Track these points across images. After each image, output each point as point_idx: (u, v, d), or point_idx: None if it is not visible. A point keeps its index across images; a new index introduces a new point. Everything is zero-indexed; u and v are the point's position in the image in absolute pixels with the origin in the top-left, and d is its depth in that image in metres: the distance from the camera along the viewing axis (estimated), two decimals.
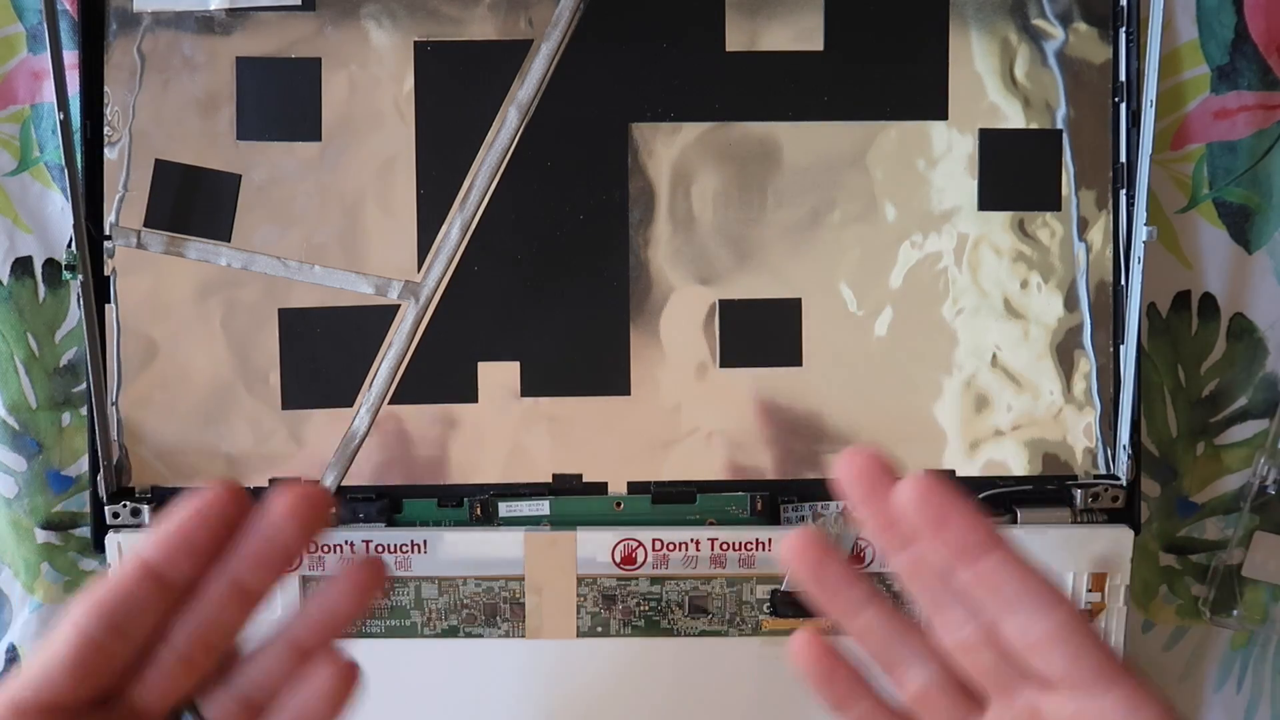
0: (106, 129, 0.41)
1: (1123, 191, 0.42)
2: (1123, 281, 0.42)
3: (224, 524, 0.25)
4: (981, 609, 0.26)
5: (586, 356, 0.42)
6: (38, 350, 0.43)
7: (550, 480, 0.42)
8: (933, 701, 0.28)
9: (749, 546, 0.41)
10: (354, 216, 0.42)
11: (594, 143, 0.42)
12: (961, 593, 0.27)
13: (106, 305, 0.42)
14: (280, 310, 0.42)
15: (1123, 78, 0.42)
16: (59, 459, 0.44)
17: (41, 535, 0.44)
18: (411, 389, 0.42)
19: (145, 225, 0.42)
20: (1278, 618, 0.45)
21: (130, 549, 0.24)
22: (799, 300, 0.42)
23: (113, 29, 0.41)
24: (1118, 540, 0.41)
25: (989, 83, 0.42)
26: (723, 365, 0.42)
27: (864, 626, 0.29)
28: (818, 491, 0.43)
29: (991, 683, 0.27)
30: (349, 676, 0.27)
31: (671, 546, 0.41)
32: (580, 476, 0.43)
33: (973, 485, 0.43)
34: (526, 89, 0.41)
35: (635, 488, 0.43)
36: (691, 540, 0.41)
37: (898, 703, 0.29)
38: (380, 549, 0.41)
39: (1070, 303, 0.42)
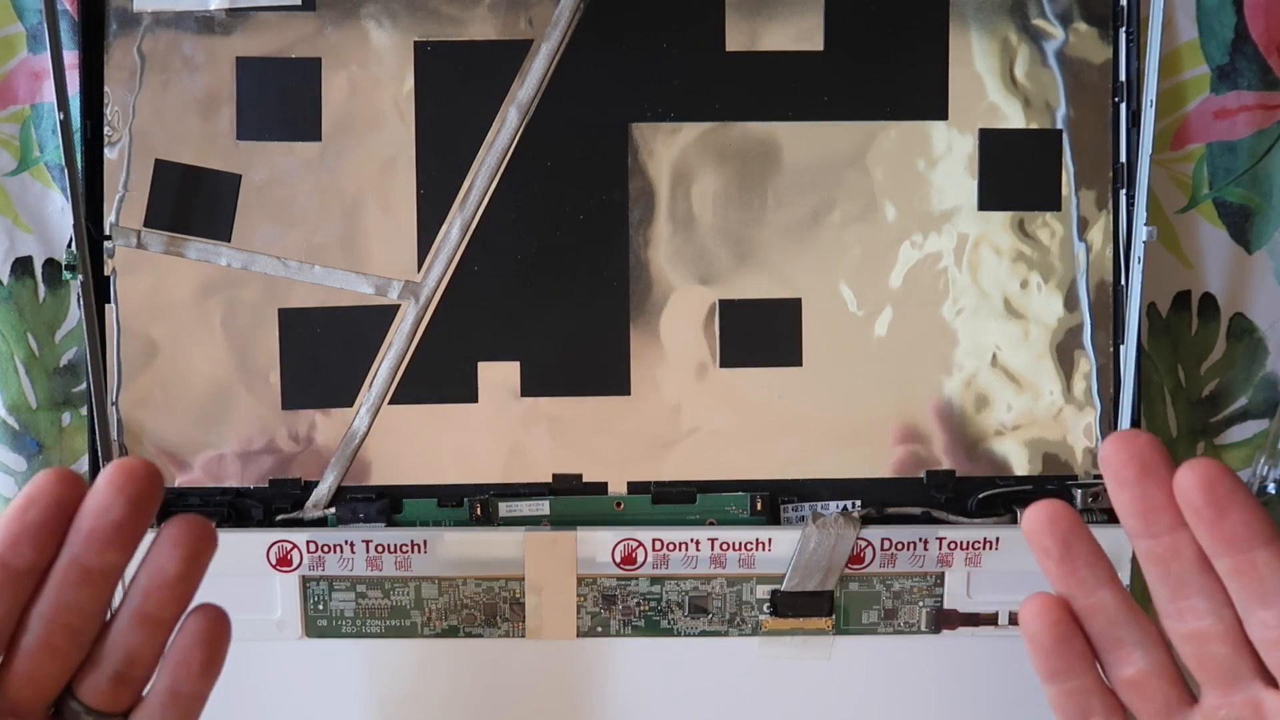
0: (106, 129, 0.41)
1: (1123, 191, 0.42)
2: (1123, 281, 0.42)
3: (57, 507, 0.26)
4: (1232, 600, 0.27)
5: (586, 356, 0.42)
6: (38, 350, 0.43)
7: (550, 480, 0.42)
8: (1149, 688, 0.28)
9: (749, 546, 0.41)
10: (354, 216, 0.42)
11: (594, 143, 0.42)
12: (1207, 585, 0.27)
13: (106, 305, 0.42)
14: (280, 310, 0.42)
15: (1123, 78, 0.42)
16: (59, 459, 0.44)
17: None
18: (411, 389, 0.42)
19: (145, 225, 0.42)
20: None
21: None
22: (799, 300, 0.42)
23: (113, 29, 0.41)
24: (1118, 540, 0.41)
25: (989, 83, 0.42)
26: (723, 365, 0.42)
27: (1096, 604, 0.29)
28: (818, 491, 0.43)
29: (1215, 676, 0.27)
30: (217, 622, 0.28)
31: (671, 546, 0.41)
32: (580, 476, 0.43)
33: (973, 485, 0.43)
34: (526, 89, 0.41)
35: (635, 488, 0.43)
36: (691, 540, 0.41)
37: (1109, 684, 0.29)
38: (380, 549, 0.41)
39: (1070, 303, 0.42)
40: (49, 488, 0.26)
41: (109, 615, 0.28)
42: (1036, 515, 0.28)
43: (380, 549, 0.41)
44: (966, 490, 0.43)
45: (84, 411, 0.43)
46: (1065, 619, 0.29)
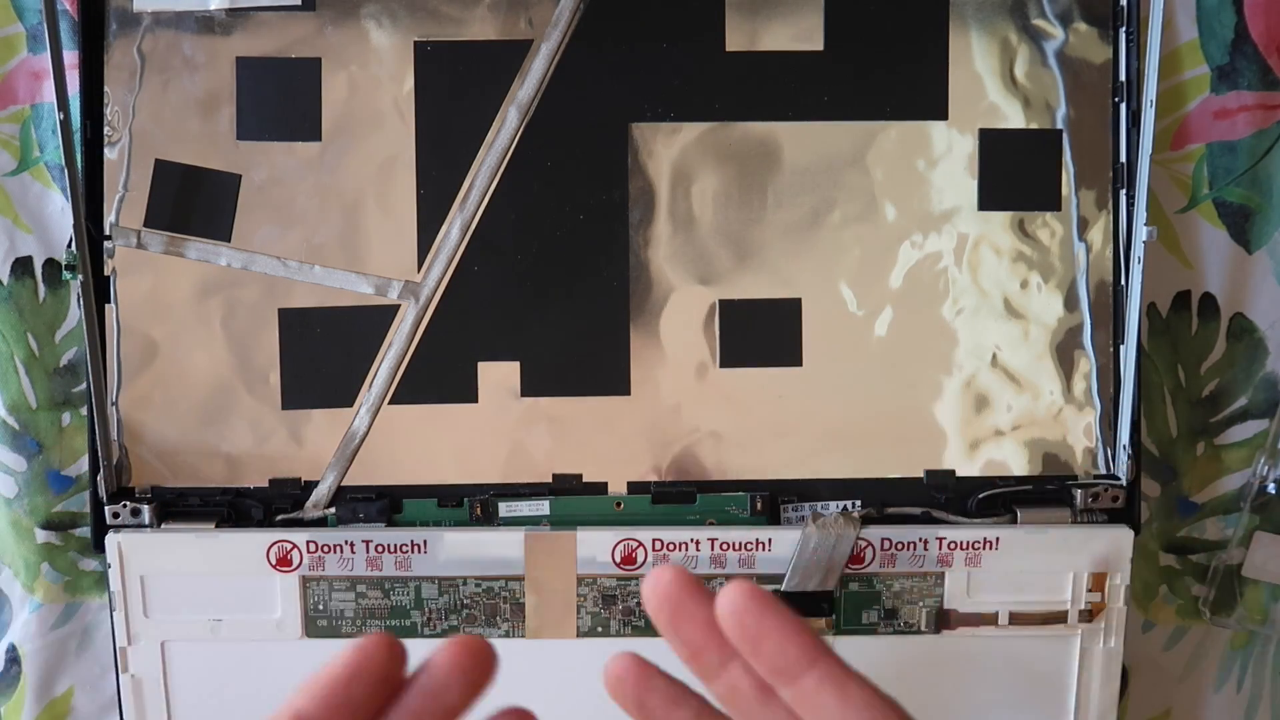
0: (106, 129, 0.41)
1: (1123, 191, 0.42)
2: (1123, 281, 0.42)
3: (385, 683, 0.24)
4: None
5: (586, 356, 0.42)
6: (38, 350, 0.43)
7: (550, 480, 0.42)
8: None
9: (749, 546, 0.41)
10: (354, 216, 0.42)
11: (594, 143, 0.42)
12: (778, 716, 0.25)
13: (106, 305, 0.42)
14: (280, 310, 0.42)
15: (1123, 78, 0.42)
16: (59, 459, 0.44)
17: (41, 535, 0.44)
18: (411, 389, 0.42)
19: (145, 225, 0.42)
20: (1278, 618, 0.45)
21: (286, 703, 0.23)
22: (799, 300, 0.42)
23: (113, 29, 0.41)
24: (1118, 540, 0.41)
25: (989, 83, 0.42)
26: (723, 365, 0.42)
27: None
28: (818, 491, 0.43)
29: None
30: None
31: (671, 546, 0.41)
32: (580, 476, 0.43)
33: (973, 485, 0.43)
34: (526, 89, 0.41)
35: (635, 488, 0.43)
36: (691, 540, 0.41)
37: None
38: (380, 549, 0.41)
39: (1070, 303, 0.42)
40: (378, 661, 0.23)
41: None
42: (610, 671, 0.27)
43: (380, 549, 0.41)
44: (966, 490, 0.43)
45: (84, 411, 0.43)
46: (643, 670, 0.28)
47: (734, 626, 0.25)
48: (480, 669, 0.24)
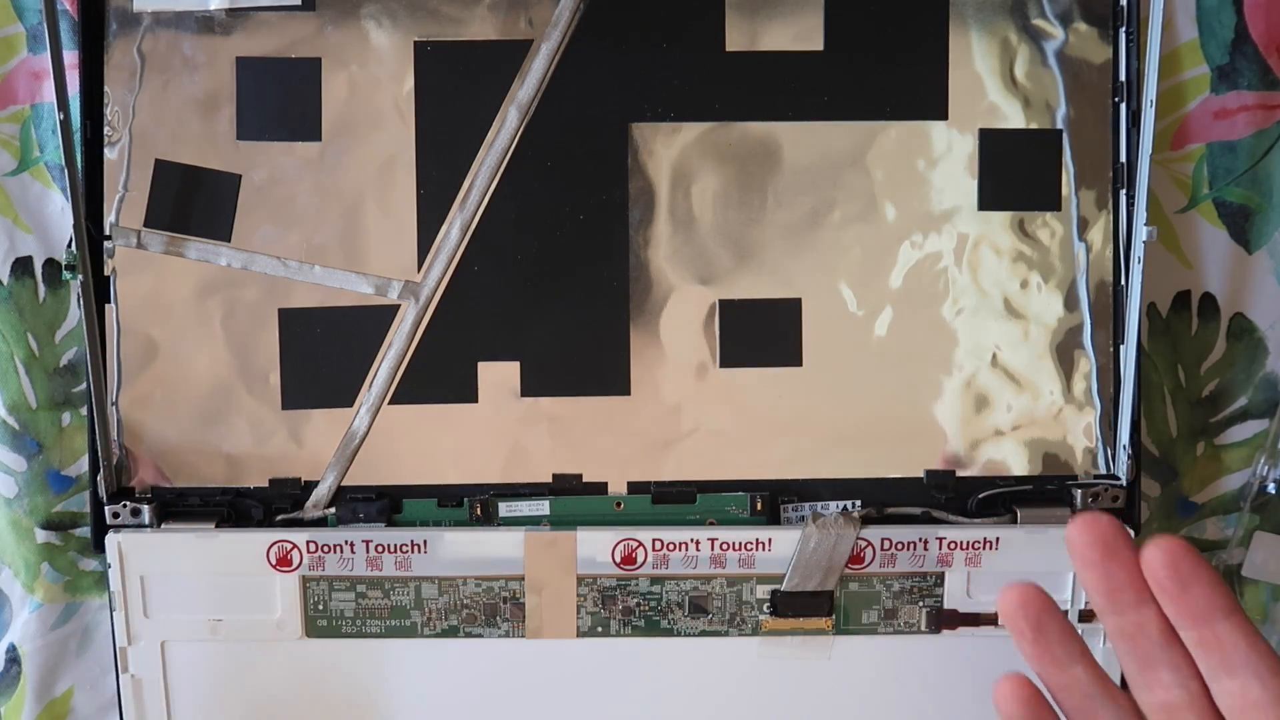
0: (106, 129, 0.41)
1: (1123, 191, 0.42)
2: (1123, 281, 0.42)
3: None
4: (1198, 671, 0.29)
5: (586, 356, 0.42)
6: (38, 350, 0.43)
7: (550, 480, 0.42)
8: None
9: (749, 546, 0.41)
10: (354, 216, 0.42)
11: (594, 143, 0.42)
12: (1174, 658, 0.29)
13: (106, 305, 0.42)
14: (280, 310, 0.42)
15: (1123, 78, 0.42)
16: (59, 459, 0.44)
17: (41, 535, 0.44)
18: (411, 389, 0.42)
19: (145, 225, 0.42)
20: (1278, 618, 0.45)
21: None
22: (799, 300, 0.42)
23: (113, 29, 0.41)
24: None
25: (989, 83, 0.42)
26: (723, 365, 0.42)
27: (1070, 680, 0.30)
28: (818, 491, 0.43)
29: None
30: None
31: (671, 546, 0.41)
32: (580, 476, 0.43)
33: (973, 485, 0.43)
34: (526, 89, 0.41)
35: (635, 488, 0.43)
36: (691, 540, 0.41)
37: None
38: (380, 549, 0.41)
39: (1070, 303, 0.42)
40: None
41: None
42: (1009, 598, 0.30)
43: (380, 549, 0.41)
44: (966, 490, 0.43)
45: (84, 411, 0.43)
46: (1035, 697, 0.31)
47: (1167, 571, 0.28)
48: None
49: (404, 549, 0.41)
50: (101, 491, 0.41)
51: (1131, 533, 0.29)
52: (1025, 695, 0.31)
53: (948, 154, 0.42)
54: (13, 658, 0.45)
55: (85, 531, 0.44)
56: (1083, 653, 0.30)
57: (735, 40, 0.42)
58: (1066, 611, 0.41)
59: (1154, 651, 0.29)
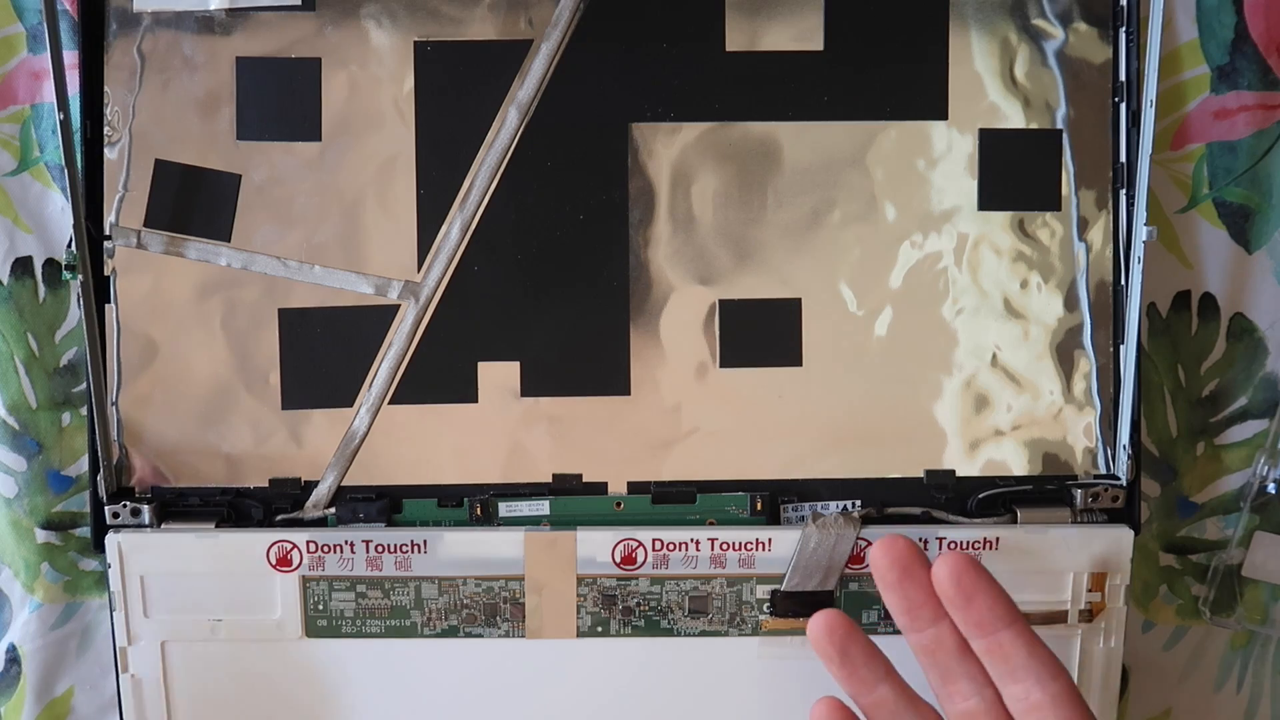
0: (106, 129, 0.41)
1: (1123, 191, 0.42)
2: (1123, 281, 0.42)
3: None
4: (990, 680, 0.31)
5: (586, 356, 0.42)
6: (38, 350, 0.43)
7: (550, 480, 0.42)
8: None
9: (749, 546, 0.41)
10: (354, 216, 0.42)
11: (594, 143, 0.42)
12: (970, 669, 0.31)
13: (106, 305, 0.42)
14: (280, 310, 0.42)
15: (1123, 78, 0.42)
16: (59, 459, 0.44)
17: (41, 535, 0.44)
18: (411, 389, 0.42)
19: (145, 225, 0.42)
20: (1278, 618, 0.45)
21: None
22: (799, 300, 0.42)
23: (113, 29, 0.41)
24: (1118, 540, 0.41)
25: (989, 83, 0.42)
26: (723, 365, 0.42)
27: (878, 700, 0.33)
28: (818, 491, 0.43)
29: None
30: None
31: (671, 546, 0.41)
32: (580, 476, 0.43)
33: (973, 485, 0.43)
34: (526, 89, 0.41)
35: (635, 488, 0.43)
36: (691, 540, 0.41)
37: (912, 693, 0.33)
38: (380, 549, 0.41)
39: (1070, 303, 0.42)
40: None
41: None
42: (816, 625, 0.33)
43: (380, 549, 0.41)
44: (966, 490, 0.43)
45: (84, 411, 0.43)
46: (847, 717, 0.34)
47: (952, 585, 0.30)
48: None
49: (404, 549, 0.41)
50: (101, 491, 0.41)
51: (926, 554, 0.31)
52: (838, 716, 0.34)
53: (948, 154, 0.42)
54: (13, 658, 0.45)
55: (85, 531, 0.44)
56: (887, 672, 0.33)
57: (735, 40, 0.42)
58: (1067, 614, 0.41)
59: (952, 663, 0.31)
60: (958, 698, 0.32)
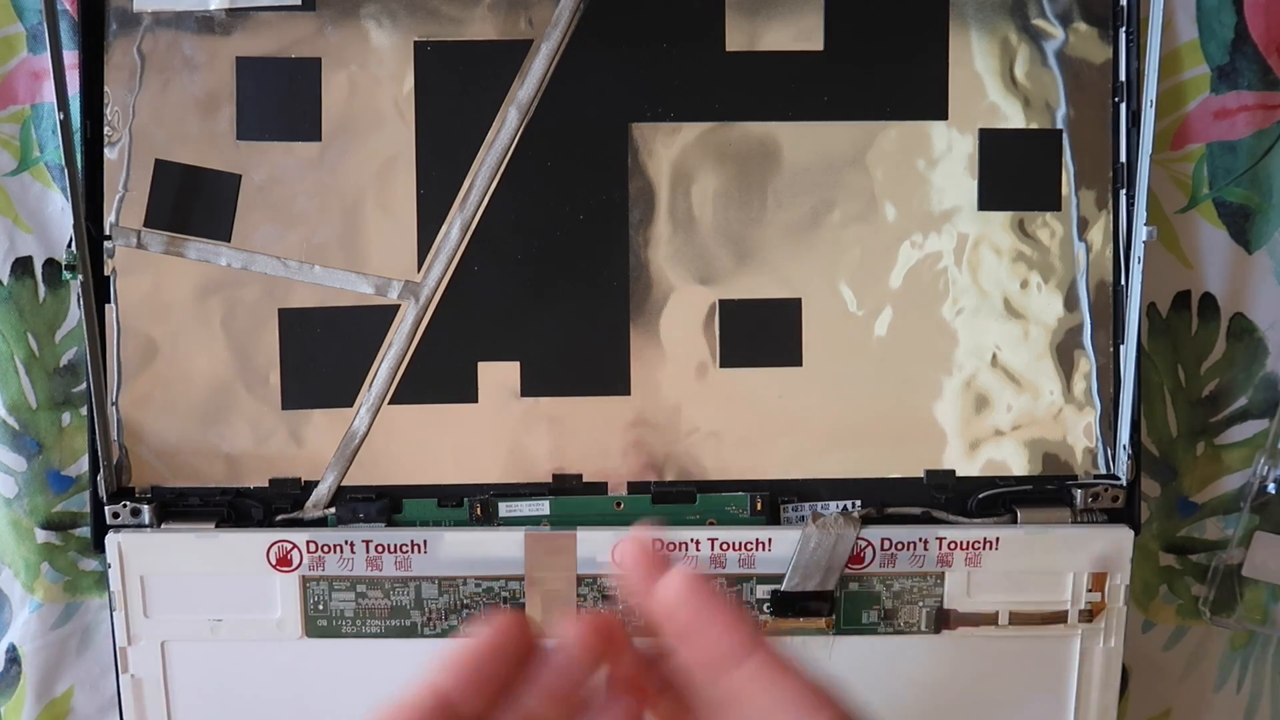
0: (106, 129, 0.41)
1: (1123, 191, 0.42)
2: (1123, 281, 0.42)
3: (518, 660, 0.24)
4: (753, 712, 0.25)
5: (586, 356, 0.42)
6: (38, 350, 0.43)
7: (550, 480, 0.42)
8: None
9: (749, 546, 0.41)
10: (354, 216, 0.42)
11: (594, 143, 0.42)
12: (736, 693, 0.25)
13: (106, 305, 0.42)
14: (280, 310, 0.42)
15: (1123, 78, 0.42)
16: (59, 459, 0.44)
17: (41, 535, 0.44)
18: (411, 389, 0.42)
19: (145, 225, 0.42)
20: (1278, 618, 0.45)
21: (421, 678, 0.24)
22: (799, 300, 0.42)
23: (113, 29, 0.41)
24: (1118, 540, 0.41)
25: (989, 83, 0.42)
26: (723, 365, 0.42)
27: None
28: (818, 491, 0.43)
29: None
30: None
31: (671, 546, 0.41)
32: (580, 476, 0.43)
33: (973, 485, 0.43)
34: (526, 89, 0.41)
35: (635, 488, 0.43)
36: (691, 540, 0.41)
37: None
38: (380, 549, 0.41)
39: (1070, 303, 0.42)
40: (514, 637, 0.24)
41: None
42: (580, 626, 0.27)
43: (380, 549, 0.41)
44: (966, 490, 0.43)
45: (84, 411, 0.43)
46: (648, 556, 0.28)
47: (673, 619, 0.25)
48: (606, 641, 0.24)
49: (404, 549, 0.41)
50: (101, 491, 0.41)
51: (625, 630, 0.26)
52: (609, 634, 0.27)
53: (948, 154, 0.42)
54: (13, 658, 0.45)
55: (85, 531, 0.44)
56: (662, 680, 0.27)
57: (735, 40, 0.42)
58: (1067, 614, 0.41)
59: (716, 689, 0.26)
60: None
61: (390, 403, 0.42)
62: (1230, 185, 0.43)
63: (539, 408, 0.42)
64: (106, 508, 0.41)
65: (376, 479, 0.42)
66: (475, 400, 0.42)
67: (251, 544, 0.41)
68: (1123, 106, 0.42)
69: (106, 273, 0.42)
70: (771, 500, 0.43)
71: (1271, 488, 0.44)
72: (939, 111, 0.42)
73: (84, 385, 0.43)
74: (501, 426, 0.42)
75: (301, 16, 0.41)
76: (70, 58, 0.41)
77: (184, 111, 0.41)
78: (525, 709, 0.24)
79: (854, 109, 0.42)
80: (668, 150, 0.42)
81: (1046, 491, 0.43)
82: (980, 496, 0.42)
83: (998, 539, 0.41)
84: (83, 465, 0.44)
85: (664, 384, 0.42)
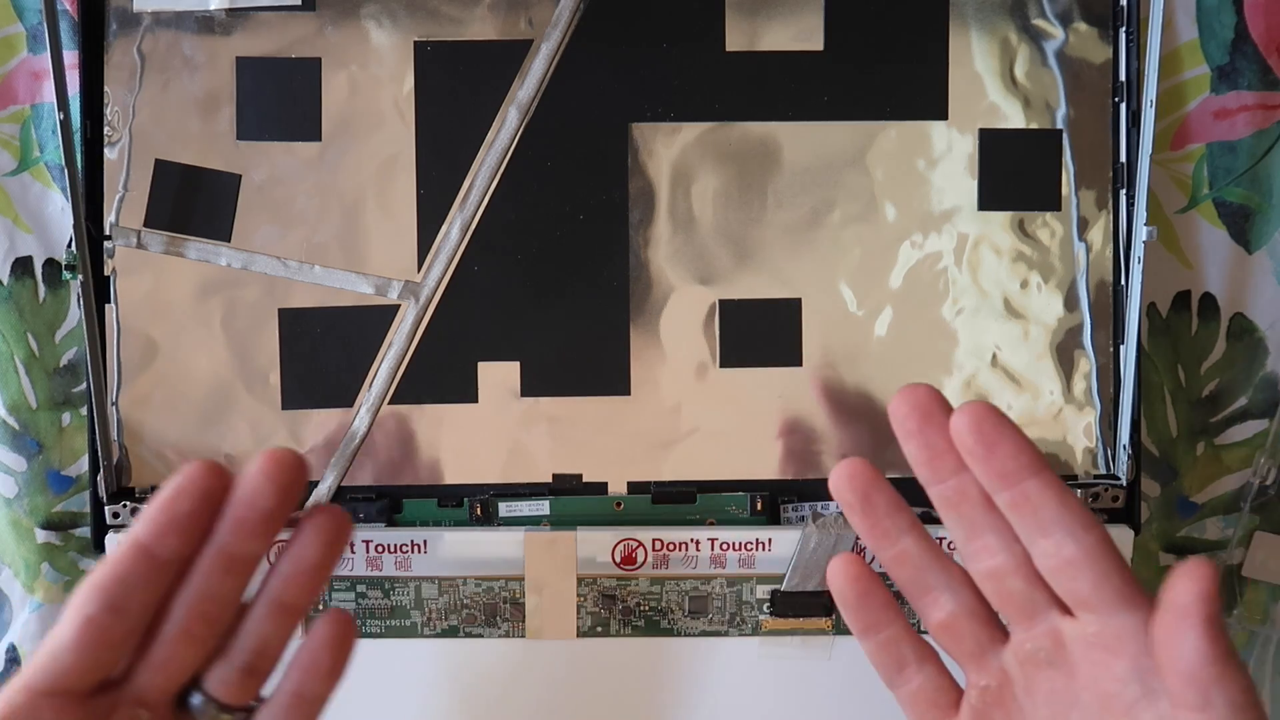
0: (106, 129, 0.41)
1: (1123, 191, 0.42)
2: (1123, 281, 0.42)
3: (206, 498, 0.26)
4: (1017, 535, 0.27)
5: (586, 356, 0.42)
6: (38, 350, 0.43)
7: (550, 480, 0.42)
8: (959, 629, 0.29)
9: (749, 546, 0.41)
10: (354, 216, 0.42)
11: (594, 143, 0.42)
12: (996, 523, 0.28)
13: (106, 305, 0.42)
14: (280, 310, 0.42)
15: (1123, 78, 0.42)
16: (59, 459, 0.44)
17: (41, 535, 0.44)
18: (411, 389, 0.42)
19: (145, 225, 0.42)
20: (1278, 618, 0.45)
21: (128, 534, 0.26)
22: (799, 300, 0.42)
23: (113, 29, 0.41)
24: (1118, 540, 0.41)
25: (989, 83, 0.42)
26: (723, 365, 0.42)
27: (900, 554, 0.29)
28: (818, 491, 0.43)
29: (1016, 610, 0.28)
30: (346, 626, 0.28)
31: (671, 546, 0.41)
32: (580, 476, 0.43)
33: None
34: (526, 89, 0.41)
35: (635, 488, 0.43)
36: (691, 540, 0.41)
37: (922, 630, 0.30)
38: (380, 549, 0.41)
39: (1070, 303, 0.42)
40: (199, 479, 0.26)
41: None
42: (839, 472, 0.29)
43: (380, 549, 0.41)
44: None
45: (84, 411, 0.43)
46: (864, 574, 0.30)
47: (972, 434, 0.27)
48: (286, 474, 0.26)
49: (404, 549, 0.41)
50: (101, 491, 0.41)
51: (949, 401, 0.28)
52: (855, 572, 0.30)
53: (948, 154, 0.42)
54: (13, 658, 0.45)
55: (85, 531, 0.44)
56: (911, 524, 0.30)
57: (735, 40, 0.42)
58: None
59: (977, 518, 0.28)
60: (984, 554, 0.28)
61: (390, 403, 0.42)
62: (1230, 185, 0.43)
63: (539, 408, 0.42)
64: (106, 508, 0.41)
65: (376, 479, 0.42)
66: (475, 400, 0.42)
67: None
68: (1123, 106, 0.42)
69: (106, 273, 0.42)
70: (771, 500, 0.43)
71: (1271, 488, 0.44)
72: (939, 111, 0.42)
73: (84, 385, 0.43)
74: (501, 426, 0.42)
75: (301, 16, 0.41)
76: (70, 58, 0.41)
77: (184, 111, 0.41)
78: (222, 545, 0.26)
79: (854, 109, 0.42)
80: (668, 150, 0.42)
81: None
82: None
83: None
84: (83, 465, 0.44)
85: (664, 384, 0.42)
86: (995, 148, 0.42)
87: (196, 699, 0.27)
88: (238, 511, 0.26)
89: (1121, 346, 0.42)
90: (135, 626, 0.26)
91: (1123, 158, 0.42)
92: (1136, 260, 0.41)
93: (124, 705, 0.26)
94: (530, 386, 0.42)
